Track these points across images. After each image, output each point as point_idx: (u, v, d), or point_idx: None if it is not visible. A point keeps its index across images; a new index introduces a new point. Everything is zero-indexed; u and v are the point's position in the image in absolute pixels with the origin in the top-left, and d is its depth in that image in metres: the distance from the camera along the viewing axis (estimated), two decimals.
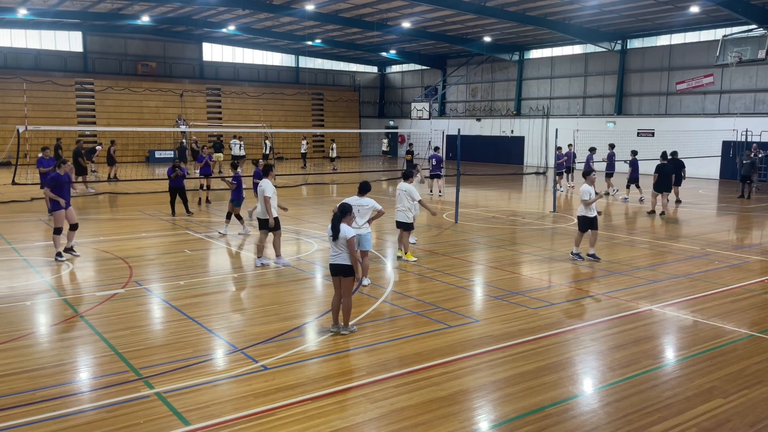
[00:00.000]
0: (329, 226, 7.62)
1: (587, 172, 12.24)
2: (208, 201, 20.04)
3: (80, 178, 22.47)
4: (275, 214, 11.22)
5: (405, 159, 29.83)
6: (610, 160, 22.97)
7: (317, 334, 7.76)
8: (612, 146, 23.48)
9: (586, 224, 11.97)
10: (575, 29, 33.91)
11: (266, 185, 11.20)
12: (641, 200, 21.55)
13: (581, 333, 7.92)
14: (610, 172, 22.94)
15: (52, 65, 39.79)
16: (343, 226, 7.48)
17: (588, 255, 11.98)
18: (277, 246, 11.53)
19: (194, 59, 45.06)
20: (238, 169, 15.16)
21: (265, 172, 11.71)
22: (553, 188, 25.36)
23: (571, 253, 12.23)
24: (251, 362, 6.78)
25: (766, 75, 30.57)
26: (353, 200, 9.72)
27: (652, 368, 6.79)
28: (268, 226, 11.27)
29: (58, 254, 11.59)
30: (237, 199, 14.52)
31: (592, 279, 10.75)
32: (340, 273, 7.54)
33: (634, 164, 21.92)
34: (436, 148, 24.00)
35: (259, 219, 11.43)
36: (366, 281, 9.98)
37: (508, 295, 9.65)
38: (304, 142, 38.35)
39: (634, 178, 21.92)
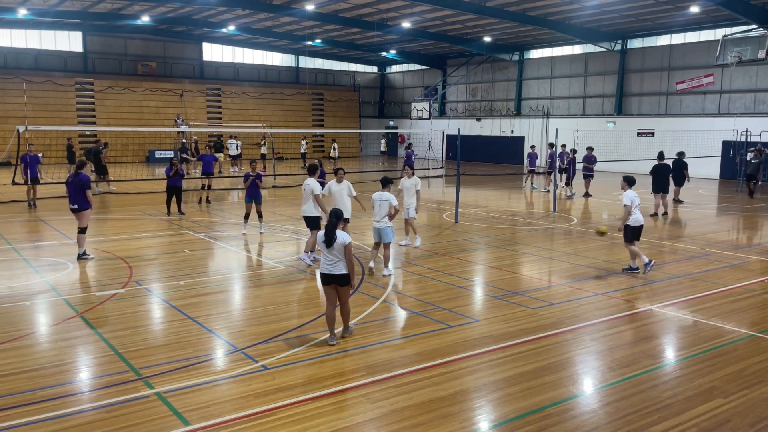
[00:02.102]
0: (321, 234, 7.28)
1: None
2: (208, 201, 20.04)
3: (99, 177, 22.84)
4: (320, 211, 11.54)
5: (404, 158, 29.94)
6: (552, 159, 23.95)
7: (317, 335, 7.75)
8: (552, 145, 24.16)
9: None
10: (575, 29, 33.91)
11: (314, 184, 11.35)
12: (570, 196, 22.72)
13: (581, 333, 7.92)
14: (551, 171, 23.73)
15: (52, 65, 39.80)
16: (339, 233, 7.19)
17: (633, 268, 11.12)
18: (310, 243, 11.56)
19: (194, 59, 45.07)
20: (258, 168, 15.07)
21: (311, 171, 11.81)
22: (526, 186, 25.70)
23: (645, 265, 10.91)
24: (251, 362, 6.77)
25: (766, 75, 30.57)
26: (376, 195, 10.74)
27: (652, 368, 6.79)
28: (319, 224, 11.39)
29: (84, 252, 11.74)
30: (258, 197, 14.54)
31: (593, 279, 10.74)
32: (335, 282, 7.24)
33: (571, 162, 23.02)
34: (409, 145, 25.08)
35: (305, 217, 11.51)
36: (389, 271, 10.76)
37: (508, 295, 9.65)
38: (303, 142, 38.35)
39: (571, 176, 23.16)
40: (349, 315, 7.58)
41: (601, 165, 24.08)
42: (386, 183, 10.94)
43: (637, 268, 11.08)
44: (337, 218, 7.35)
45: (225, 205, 20.01)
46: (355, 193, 11.93)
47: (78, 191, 11.70)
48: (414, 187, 12.89)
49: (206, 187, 20.40)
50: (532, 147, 27.03)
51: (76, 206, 11.77)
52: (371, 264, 10.99)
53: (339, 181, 11.97)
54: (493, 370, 6.68)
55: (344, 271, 7.21)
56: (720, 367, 6.83)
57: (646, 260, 10.87)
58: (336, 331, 7.48)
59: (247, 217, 14.67)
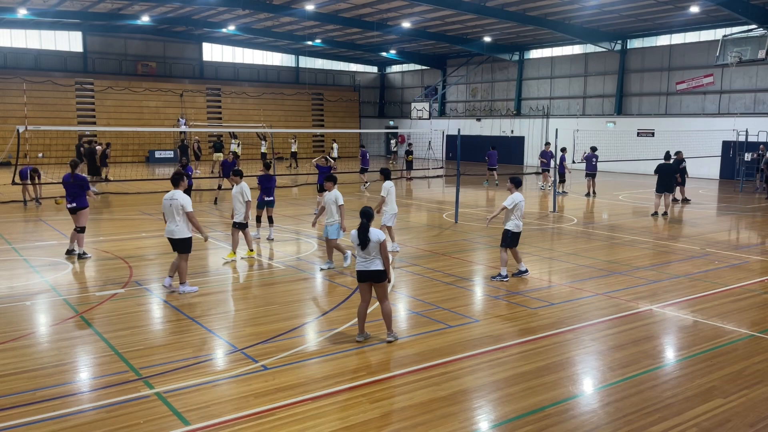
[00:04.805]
0: (354, 234, 7.29)
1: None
2: (215, 201, 20.13)
3: (93, 178, 22.88)
4: (197, 232, 9.56)
5: (405, 159, 29.90)
6: (545, 156, 25.71)
7: (317, 334, 7.76)
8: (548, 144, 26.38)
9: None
10: (575, 29, 33.90)
11: (183, 198, 9.29)
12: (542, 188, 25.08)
13: (581, 333, 7.92)
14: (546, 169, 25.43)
15: (52, 65, 39.79)
16: (372, 230, 7.19)
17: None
18: (183, 270, 9.51)
19: (194, 59, 45.06)
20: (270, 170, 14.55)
21: (174, 181, 9.52)
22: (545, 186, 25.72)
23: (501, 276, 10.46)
24: (251, 362, 6.77)
25: (766, 75, 30.56)
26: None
27: (652, 368, 6.79)
28: (190, 247, 9.48)
29: (84, 252, 11.83)
30: (272, 200, 14.02)
31: (592, 279, 10.75)
32: (371, 279, 7.25)
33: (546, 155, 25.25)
34: (362, 146, 27.52)
35: (172, 240, 9.45)
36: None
37: (508, 295, 9.65)
38: (293, 141, 38.05)
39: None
40: (390, 316, 7.42)
41: (601, 165, 24.07)
42: (332, 180, 10.90)
43: (526, 270, 10.67)
44: (368, 218, 7.29)
45: (225, 206, 20.00)
46: (249, 198, 11.62)
47: (77, 191, 11.81)
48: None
49: (220, 188, 20.58)
50: (547, 144, 25.44)
51: (74, 205, 11.86)
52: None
53: (237, 183, 11.72)
54: (493, 370, 6.68)
55: (381, 267, 7.21)
56: (720, 367, 6.83)
57: (504, 273, 10.40)
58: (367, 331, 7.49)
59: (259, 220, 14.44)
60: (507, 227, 10.42)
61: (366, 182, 25.51)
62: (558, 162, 23.30)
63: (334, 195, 10.78)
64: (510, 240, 10.41)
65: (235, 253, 11.87)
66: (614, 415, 5.66)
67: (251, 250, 12.08)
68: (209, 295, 9.51)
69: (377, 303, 7.67)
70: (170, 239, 9.46)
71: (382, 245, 7.20)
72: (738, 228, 17.12)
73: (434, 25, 36.02)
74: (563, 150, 23.52)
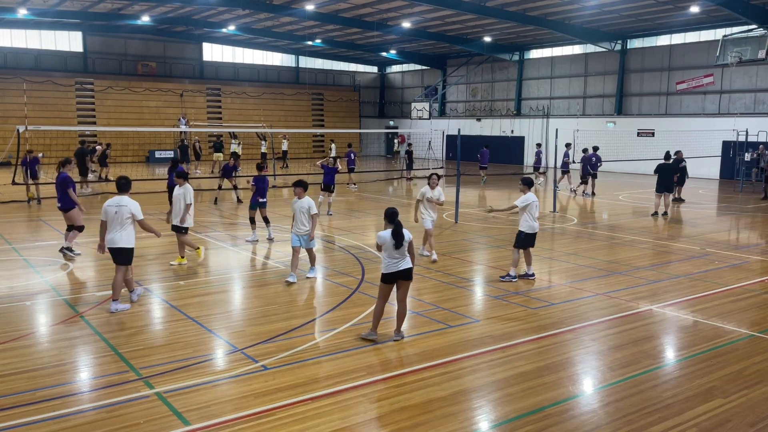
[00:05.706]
0: (387, 236, 7.28)
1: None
2: (216, 201, 20.12)
3: (82, 179, 22.82)
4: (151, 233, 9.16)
5: (406, 157, 29.92)
6: (538, 157, 28.40)
7: (317, 334, 7.76)
8: (539, 145, 29.48)
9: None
10: (575, 29, 33.91)
11: (134, 206, 8.91)
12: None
13: (581, 333, 7.92)
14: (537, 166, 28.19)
15: (52, 65, 39.79)
16: (404, 230, 7.34)
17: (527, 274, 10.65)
18: (119, 284, 8.68)
19: (194, 59, 45.06)
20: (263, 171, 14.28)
21: (122, 187, 9.05)
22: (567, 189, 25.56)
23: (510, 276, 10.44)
24: (251, 362, 6.77)
25: (766, 75, 30.57)
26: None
27: (652, 368, 6.79)
28: (131, 258, 8.89)
29: (69, 249, 11.89)
30: (265, 201, 13.99)
31: (592, 279, 10.74)
32: (401, 277, 7.34)
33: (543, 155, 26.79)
34: (350, 145, 28.20)
35: (122, 249, 8.73)
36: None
37: (508, 295, 9.65)
38: (285, 141, 37.96)
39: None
40: (404, 317, 7.55)
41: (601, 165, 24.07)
42: (303, 186, 10.15)
43: (533, 275, 10.56)
44: (397, 215, 7.42)
45: (225, 206, 20.00)
46: (190, 201, 11.16)
47: (60, 190, 11.96)
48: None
49: (220, 188, 20.78)
50: (568, 145, 24.58)
51: (60, 205, 12.14)
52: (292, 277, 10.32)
53: (180, 185, 11.36)
54: (493, 370, 6.68)
55: (410, 265, 7.36)
56: (720, 367, 6.83)
57: (513, 273, 10.37)
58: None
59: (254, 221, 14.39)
60: (520, 228, 10.47)
61: (354, 183, 25.78)
62: (581, 162, 23.29)
63: (307, 203, 10.05)
64: (524, 241, 10.41)
65: (183, 257, 11.46)
66: (614, 415, 5.66)
67: (182, 257, 11.45)
68: (209, 295, 9.52)
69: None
70: (111, 249, 8.67)
71: (410, 244, 7.36)
72: (738, 228, 17.12)
73: (434, 25, 36.03)
74: (585, 151, 23.48)
